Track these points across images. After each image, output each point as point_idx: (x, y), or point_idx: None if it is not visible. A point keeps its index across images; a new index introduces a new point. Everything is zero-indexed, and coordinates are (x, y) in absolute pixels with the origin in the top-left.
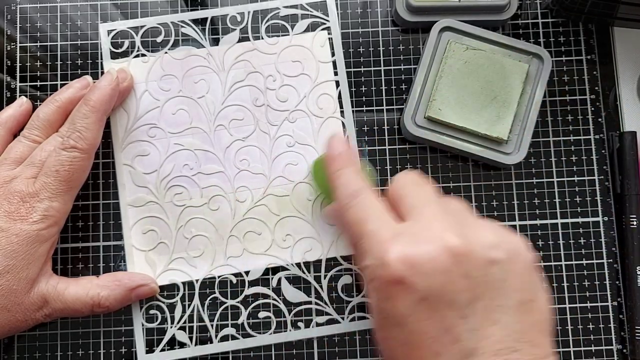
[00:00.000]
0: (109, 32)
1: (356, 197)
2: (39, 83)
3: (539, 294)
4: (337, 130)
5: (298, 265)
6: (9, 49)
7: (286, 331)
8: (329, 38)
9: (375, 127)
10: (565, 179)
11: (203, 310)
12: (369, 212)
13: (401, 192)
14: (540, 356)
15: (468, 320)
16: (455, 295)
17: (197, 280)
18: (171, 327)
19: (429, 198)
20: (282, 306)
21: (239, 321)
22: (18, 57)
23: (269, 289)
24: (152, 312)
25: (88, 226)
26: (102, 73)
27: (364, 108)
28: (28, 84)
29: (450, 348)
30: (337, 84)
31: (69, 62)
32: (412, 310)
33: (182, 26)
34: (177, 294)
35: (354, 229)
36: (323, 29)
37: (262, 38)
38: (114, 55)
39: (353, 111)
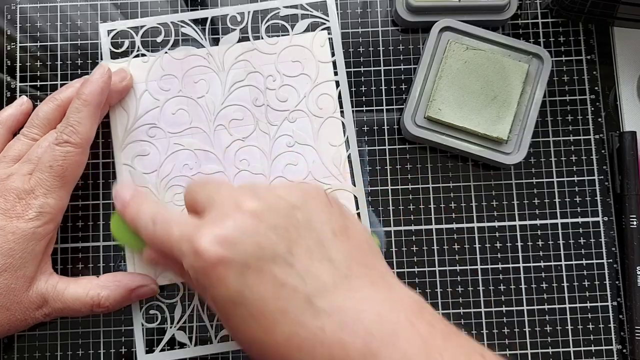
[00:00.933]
0: (109, 32)
1: (155, 220)
2: (39, 83)
3: (349, 220)
4: (124, 183)
5: None
6: (9, 49)
7: None
8: (329, 38)
9: (375, 127)
10: (565, 179)
11: (203, 311)
12: (170, 224)
13: (191, 196)
14: (378, 275)
15: (295, 267)
16: (273, 249)
17: None
18: (171, 327)
19: (218, 186)
20: None
21: None
22: (18, 57)
23: None
24: (152, 312)
25: (88, 226)
26: None
27: (364, 108)
28: (28, 84)
29: (292, 299)
30: (337, 84)
31: (69, 62)
32: (242, 282)
33: (182, 26)
34: (177, 294)
35: (166, 247)
36: (323, 29)
37: (262, 38)
38: (114, 55)
39: (353, 111)
